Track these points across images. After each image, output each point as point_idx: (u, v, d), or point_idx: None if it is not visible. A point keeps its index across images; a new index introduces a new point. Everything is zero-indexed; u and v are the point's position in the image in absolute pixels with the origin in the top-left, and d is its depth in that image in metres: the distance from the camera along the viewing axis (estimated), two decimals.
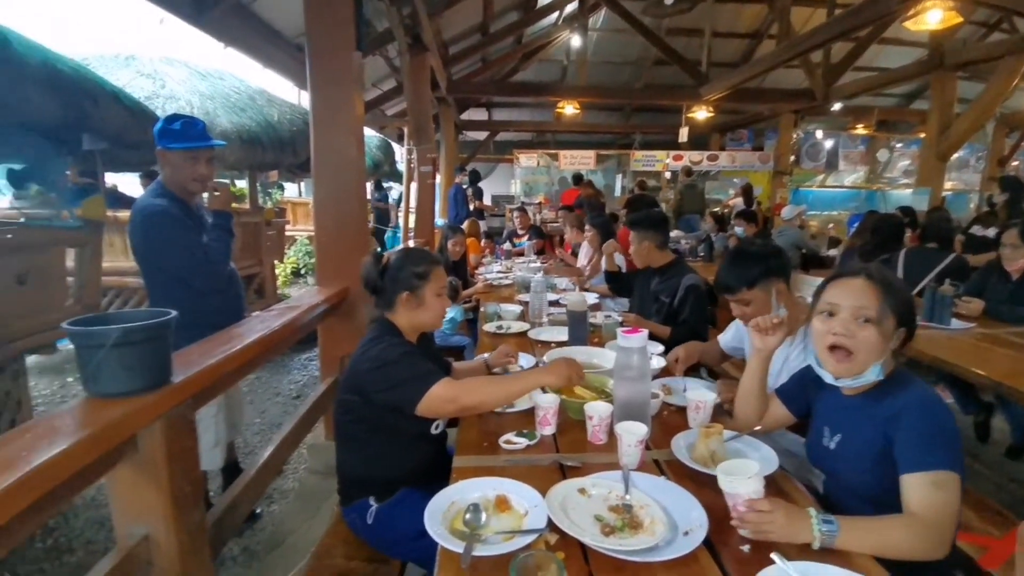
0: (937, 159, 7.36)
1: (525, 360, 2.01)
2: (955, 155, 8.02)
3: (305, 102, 5.80)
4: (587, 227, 4.23)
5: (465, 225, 5.84)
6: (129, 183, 6.66)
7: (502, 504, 1.14)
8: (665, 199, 10.27)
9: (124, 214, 3.85)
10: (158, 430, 1.18)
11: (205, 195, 2.22)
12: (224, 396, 2.13)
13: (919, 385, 1.17)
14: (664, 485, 1.20)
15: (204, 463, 2.04)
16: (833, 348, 1.18)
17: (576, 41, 8.85)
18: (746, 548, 1.02)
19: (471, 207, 8.23)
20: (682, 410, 1.60)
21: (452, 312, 3.65)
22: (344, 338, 2.61)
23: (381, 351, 1.44)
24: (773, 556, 0.94)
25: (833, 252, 6.21)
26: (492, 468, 1.30)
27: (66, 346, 3.29)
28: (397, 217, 9.27)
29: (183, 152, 2.04)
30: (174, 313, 1.17)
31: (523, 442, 1.43)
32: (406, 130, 6.98)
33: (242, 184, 7.52)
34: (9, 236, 2.63)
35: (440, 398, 1.37)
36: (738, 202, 8.49)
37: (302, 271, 9.00)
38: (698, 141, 11.56)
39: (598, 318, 2.58)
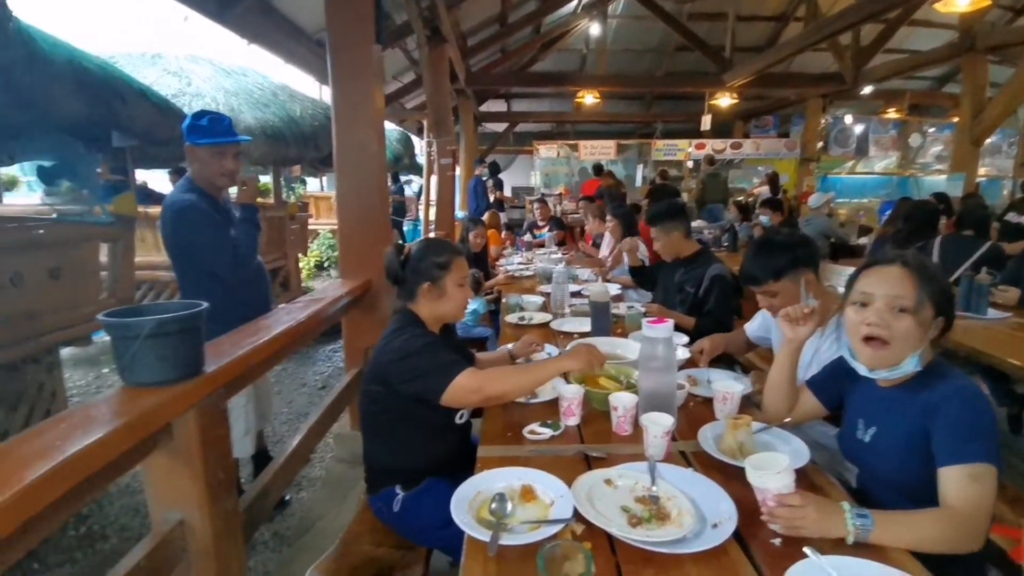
0: (971, 144, 7.11)
1: (550, 350, 2.00)
2: (987, 140, 7.73)
3: (326, 97, 5.87)
4: (608, 217, 4.18)
5: (485, 217, 5.84)
6: (158, 179, 6.82)
7: (527, 494, 1.14)
8: (687, 188, 10.07)
9: (155, 210, 3.96)
10: (192, 418, 1.21)
11: (232, 190, 2.26)
12: (253, 386, 2.19)
13: (959, 376, 1.13)
14: (691, 477, 1.19)
15: (235, 451, 2.09)
16: (868, 339, 1.14)
17: (595, 29, 8.72)
18: (777, 542, 1.01)
19: (491, 198, 8.21)
20: (708, 401, 1.58)
21: (474, 304, 3.66)
22: (368, 329, 2.64)
23: (404, 342, 1.45)
24: (806, 550, 0.92)
25: (863, 240, 6.02)
26: (517, 458, 1.30)
27: (102, 338, 3.39)
28: (417, 209, 9.33)
29: (210, 148, 2.08)
30: (206, 304, 1.20)
31: (548, 432, 1.43)
32: (426, 123, 7.00)
33: (266, 179, 7.63)
34: (41, 231, 2.71)
35: (464, 388, 1.38)
36: (764, 190, 8.30)
37: (325, 264, 9.11)
38: (721, 128, 11.33)
39: (621, 309, 2.55)
